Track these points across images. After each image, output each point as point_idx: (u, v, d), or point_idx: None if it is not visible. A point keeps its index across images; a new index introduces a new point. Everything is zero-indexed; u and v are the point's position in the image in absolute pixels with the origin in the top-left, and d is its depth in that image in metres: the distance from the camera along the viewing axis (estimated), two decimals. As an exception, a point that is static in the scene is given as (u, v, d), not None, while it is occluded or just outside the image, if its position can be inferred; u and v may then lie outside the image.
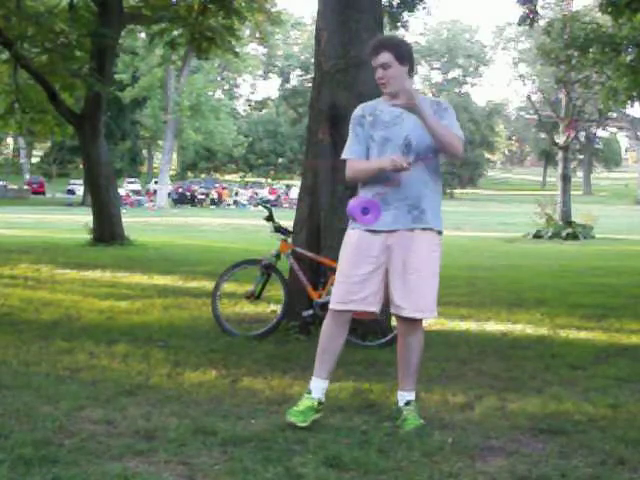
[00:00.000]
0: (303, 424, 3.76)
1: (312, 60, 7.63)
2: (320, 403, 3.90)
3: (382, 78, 3.97)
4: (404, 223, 3.93)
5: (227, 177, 78.47)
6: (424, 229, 3.95)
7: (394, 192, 3.93)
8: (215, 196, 54.02)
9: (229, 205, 52.56)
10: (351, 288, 3.92)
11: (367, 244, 3.94)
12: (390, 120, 3.97)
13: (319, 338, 4.02)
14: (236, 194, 55.58)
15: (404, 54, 3.98)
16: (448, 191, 75.97)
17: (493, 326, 7.09)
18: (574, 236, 24.30)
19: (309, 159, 6.80)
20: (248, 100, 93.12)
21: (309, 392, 3.93)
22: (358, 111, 4.09)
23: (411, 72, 4.04)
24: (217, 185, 60.14)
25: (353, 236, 3.99)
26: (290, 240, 6.55)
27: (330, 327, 3.99)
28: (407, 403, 4.02)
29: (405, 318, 3.96)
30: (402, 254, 3.91)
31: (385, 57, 3.95)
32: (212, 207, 50.95)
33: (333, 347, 3.99)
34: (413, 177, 3.92)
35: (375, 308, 3.98)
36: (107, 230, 15.96)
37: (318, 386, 3.95)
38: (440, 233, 4.03)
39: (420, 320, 4.00)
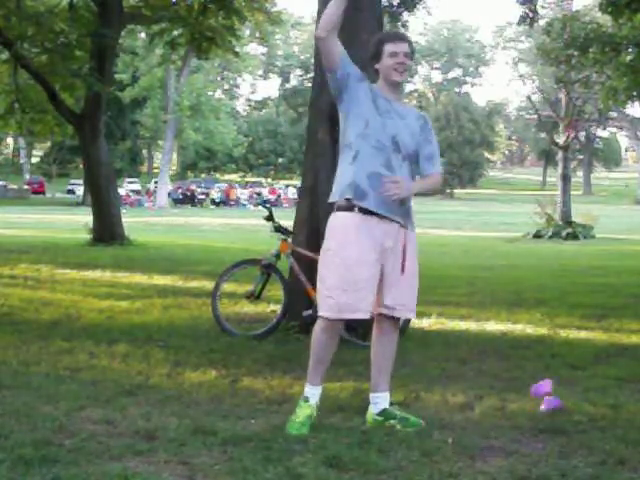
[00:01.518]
0: (305, 433, 3.70)
1: (312, 60, 7.63)
2: (317, 408, 3.90)
3: (404, 64, 3.96)
4: (398, 216, 3.88)
5: (227, 177, 78.43)
6: (412, 230, 3.98)
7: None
8: (216, 195, 54.05)
9: (232, 204, 52.54)
10: (357, 294, 3.76)
11: (371, 234, 3.81)
12: (383, 112, 3.93)
13: (312, 348, 3.92)
14: (236, 194, 55.66)
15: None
16: (448, 191, 75.97)
17: (493, 326, 7.08)
18: (574, 236, 24.30)
19: (309, 159, 6.80)
20: (248, 100, 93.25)
21: (306, 400, 3.89)
22: (362, 74, 3.99)
23: None
24: (225, 185, 60.21)
25: (350, 219, 3.83)
26: (290, 240, 6.55)
27: (325, 338, 3.88)
28: (392, 404, 4.03)
29: (395, 318, 3.97)
30: (396, 254, 3.88)
31: (408, 48, 4.01)
32: (212, 207, 50.96)
33: (327, 356, 3.93)
34: (404, 177, 3.92)
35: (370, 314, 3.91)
36: (107, 230, 15.96)
37: (315, 393, 3.92)
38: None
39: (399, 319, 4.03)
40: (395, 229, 3.88)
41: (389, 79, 3.99)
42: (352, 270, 3.76)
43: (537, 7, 15.48)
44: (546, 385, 4.36)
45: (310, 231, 6.56)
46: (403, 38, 4.06)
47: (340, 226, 3.86)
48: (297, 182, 45.01)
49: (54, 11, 16.67)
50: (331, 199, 3.96)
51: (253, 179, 78.23)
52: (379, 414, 3.94)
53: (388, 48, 3.97)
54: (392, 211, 3.85)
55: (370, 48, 4.09)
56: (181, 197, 52.93)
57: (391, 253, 3.87)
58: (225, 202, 52.96)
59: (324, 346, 3.89)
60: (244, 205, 51.65)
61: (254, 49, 76.36)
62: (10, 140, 71.36)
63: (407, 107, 4.18)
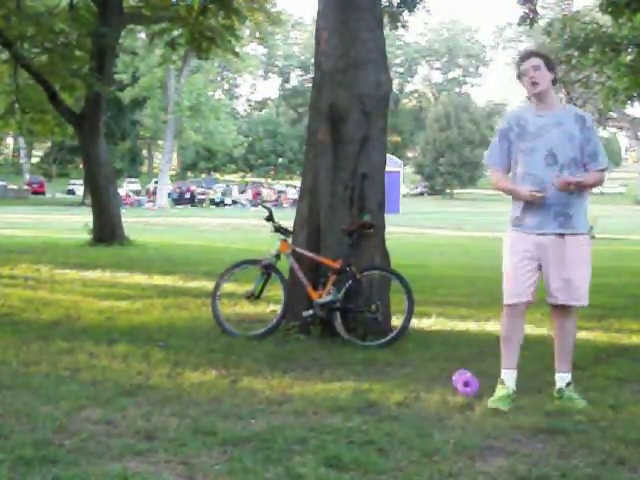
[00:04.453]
0: (505, 408, 4.18)
1: (312, 60, 7.63)
2: (514, 392, 4.36)
3: (534, 77, 4.37)
4: (552, 228, 4.37)
5: (227, 177, 78.40)
6: (573, 234, 4.39)
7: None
8: (216, 195, 54.12)
9: (228, 205, 52.57)
10: (517, 282, 4.40)
11: (520, 241, 4.43)
12: (535, 131, 4.39)
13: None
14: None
15: (551, 64, 4.49)
16: (448, 191, 76.02)
17: (493, 326, 7.07)
18: (574, 236, 24.26)
19: (309, 159, 6.80)
20: (248, 100, 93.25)
21: (569, 384, 4.46)
22: (504, 124, 4.55)
23: (555, 83, 4.51)
24: (253, 187, 60.64)
25: (508, 237, 4.54)
26: (290, 240, 6.55)
27: (507, 321, 4.49)
28: (568, 384, 4.48)
29: (562, 305, 4.46)
30: (556, 253, 4.37)
31: (536, 61, 4.43)
32: (212, 207, 50.95)
33: (516, 338, 4.47)
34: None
35: (533, 298, 4.46)
36: (107, 230, 15.97)
37: (510, 377, 4.42)
38: (585, 233, 4.48)
39: (573, 307, 4.48)
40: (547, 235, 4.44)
41: (529, 95, 4.47)
42: (511, 263, 4.48)
43: (537, 7, 15.48)
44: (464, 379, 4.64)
45: (310, 231, 6.56)
46: (529, 55, 4.49)
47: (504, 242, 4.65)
48: (297, 182, 45.04)
49: (54, 11, 16.72)
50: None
51: (253, 179, 78.23)
52: (557, 392, 4.46)
53: (521, 69, 4.45)
54: (547, 227, 4.47)
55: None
56: (181, 197, 52.91)
57: (550, 251, 4.42)
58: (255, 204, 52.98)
59: (507, 328, 4.50)
60: (244, 205, 51.65)
61: (254, 49, 76.37)
62: (10, 140, 71.32)
63: (566, 109, 4.51)
